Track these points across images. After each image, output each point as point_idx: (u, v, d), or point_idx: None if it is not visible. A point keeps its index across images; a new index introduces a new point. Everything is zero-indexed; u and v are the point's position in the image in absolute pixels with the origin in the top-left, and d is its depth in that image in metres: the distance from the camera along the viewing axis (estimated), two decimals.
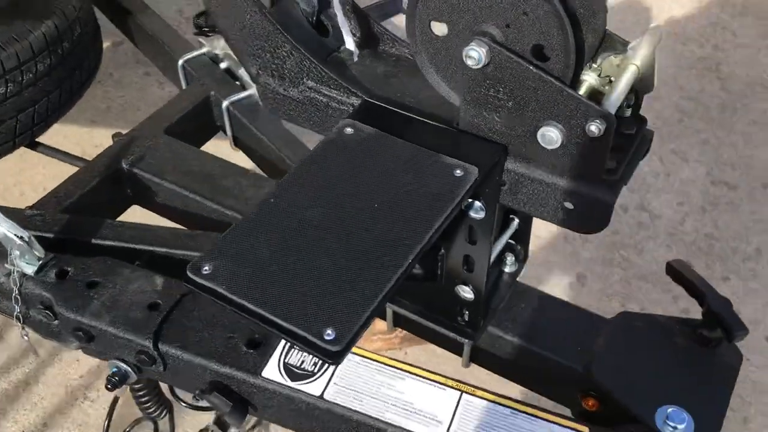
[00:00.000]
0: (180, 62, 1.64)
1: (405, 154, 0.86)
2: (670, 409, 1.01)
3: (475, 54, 0.81)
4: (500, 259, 1.17)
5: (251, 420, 1.92)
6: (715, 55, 3.15)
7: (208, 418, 1.64)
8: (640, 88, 0.88)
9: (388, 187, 0.82)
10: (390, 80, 1.00)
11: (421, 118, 0.92)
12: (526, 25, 0.80)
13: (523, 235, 1.16)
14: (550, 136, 0.84)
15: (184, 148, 1.46)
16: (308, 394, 1.04)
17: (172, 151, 1.45)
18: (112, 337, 1.13)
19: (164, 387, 1.45)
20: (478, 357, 1.21)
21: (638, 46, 0.86)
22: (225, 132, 1.61)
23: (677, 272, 1.13)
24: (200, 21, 1.41)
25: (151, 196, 1.44)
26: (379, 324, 1.26)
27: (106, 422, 1.35)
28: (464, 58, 0.82)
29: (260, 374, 1.06)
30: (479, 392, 1.06)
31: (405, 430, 1.01)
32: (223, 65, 1.65)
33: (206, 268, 0.74)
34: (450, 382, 1.07)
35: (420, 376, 1.07)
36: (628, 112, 0.92)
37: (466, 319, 1.11)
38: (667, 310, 2.19)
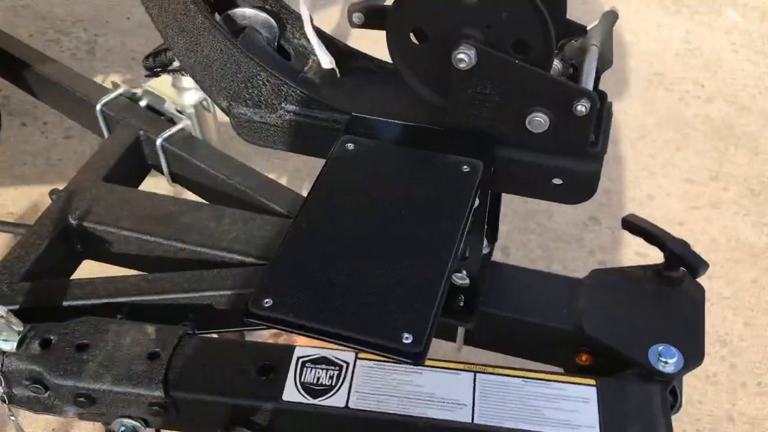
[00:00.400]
0: (98, 107, 1.59)
1: (411, 158, 0.91)
2: (660, 347, 1.12)
3: (465, 57, 0.87)
4: None
5: None
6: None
7: None
8: (601, 65, 0.98)
9: (406, 191, 0.87)
10: (364, 93, 1.05)
11: (412, 124, 0.98)
12: (507, 23, 0.87)
13: (493, 218, 1.24)
14: (538, 120, 0.91)
15: (129, 192, 1.43)
16: (333, 407, 1.07)
17: (119, 198, 1.41)
18: (117, 396, 1.10)
19: None
20: (471, 338, 1.28)
21: (596, 29, 0.95)
22: (159, 170, 1.58)
23: (634, 225, 1.25)
24: (149, 62, 1.38)
25: (105, 248, 1.39)
26: None
27: None
28: (454, 62, 0.88)
29: (281, 399, 1.08)
30: (489, 369, 1.12)
31: (434, 419, 1.06)
32: (143, 103, 1.62)
33: (266, 300, 0.76)
34: (461, 366, 1.13)
35: (432, 367, 1.13)
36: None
37: (462, 304, 1.18)
38: (586, 264, 2.36)
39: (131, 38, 3.15)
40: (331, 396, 1.08)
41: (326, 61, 1.03)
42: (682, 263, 1.19)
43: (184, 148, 1.51)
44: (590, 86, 0.91)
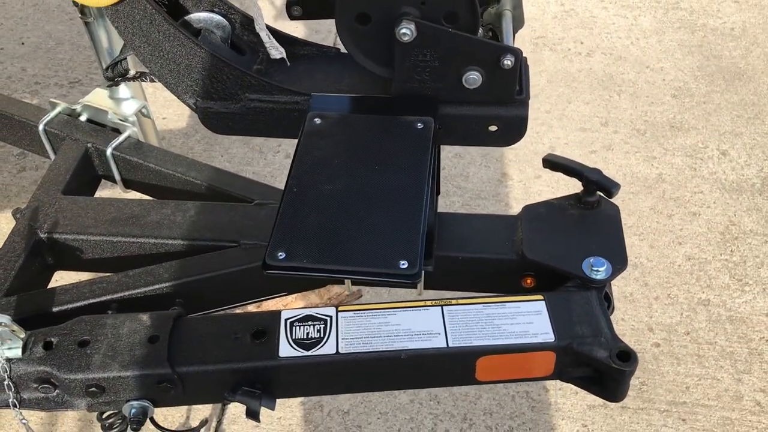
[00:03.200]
0: (40, 127, 1.65)
1: (371, 123, 1.06)
2: (591, 260, 1.32)
3: (407, 31, 1.03)
4: None
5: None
6: None
7: None
8: (515, 26, 1.16)
9: (374, 149, 1.02)
10: (314, 75, 1.19)
11: (362, 96, 1.12)
12: (433, 3, 1.03)
13: (436, 172, 1.41)
14: (473, 78, 1.08)
15: (91, 201, 1.51)
16: (326, 354, 1.21)
17: (82, 207, 1.48)
18: (127, 380, 1.20)
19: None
20: (430, 281, 1.44)
21: None
22: (110, 179, 1.66)
23: (554, 162, 1.44)
24: (109, 73, 1.45)
25: (77, 256, 1.47)
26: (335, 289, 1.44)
27: None
28: (398, 36, 1.03)
29: (278, 356, 1.20)
30: (453, 301, 1.29)
31: (415, 349, 1.21)
32: (83, 117, 1.68)
33: (280, 254, 0.89)
34: (429, 303, 1.28)
35: (404, 308, 1.28)
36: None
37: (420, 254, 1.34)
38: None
39: (30, 63, 3.12)
40: (322, 346, 1.22)
41: (277, 52, 1.16)
42: (597, 187, 1.39)
43: (135, 154, 1.60)
44: (512, 43, 1.09)
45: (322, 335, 1.23)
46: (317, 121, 1.06)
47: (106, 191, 1.66)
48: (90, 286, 1.34)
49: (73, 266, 1.49)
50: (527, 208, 1.45)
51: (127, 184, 1.66)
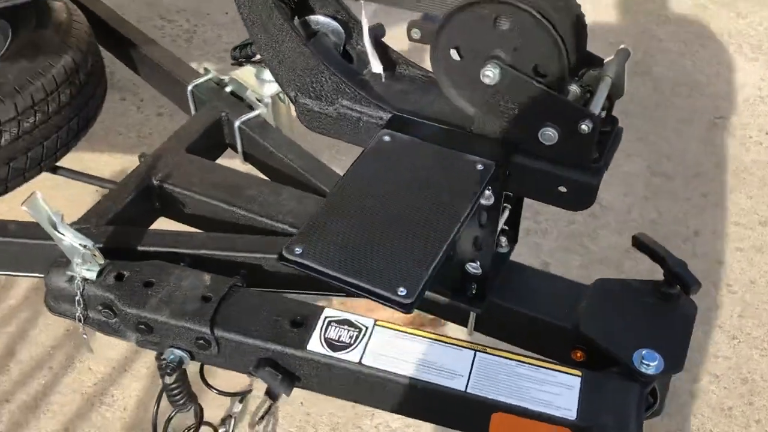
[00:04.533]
0: (189, 88, 1.83)
1: (436, 153, 1.08)
2: (644, 351, 1.25)
3: (490, 74, 1.04)
4: (496, 244, 1.40)
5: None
6: (646, 59, 3.49)
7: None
8: (613, 94, 1.13)
9: (427, 179, 1.04)
10: (409, 96, 1.22)
11: (443, 126, 1.15)
12: (530, 49, 1.03)
13: (514, 221, 1.39)
14: (549, 134, 1.07)
15: (206, 163, 1.65)
16: (348, 361, 1.24)
17: (196, 166, 1.63)
18: (171, 328, 1.30)
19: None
20: (481, 325, 1.43)
21: (611, 62, 1.10)
22: (235, 149, 1.80)
23: (642, 243, 1.38)
24: (236, 53, 1.60)
25: (179, 208, 1.61)
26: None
27: (155, 408, 1.50)
28: (482, 77, 1.04)
29: (306, 348, 1.26)
30: (489, 350, 1.28)
31: (432, 383, 1.22)
32: (228, 89, 1.84)
33: (297, 249, 0.94)
34: (465, 344, 1.28)
35: (439, 341, 1.29)
36: (603, 113, 1.16)
37: (474, 292, 1.34)
38: None
39: (226, 32, 3.42)
40: (348, 352, 1.25)
41: (377, 66, 1.21)
42: (677, 280, 1.31)
43: (257, 132, 1.72)
44: (597, 110, 1.06)
45: (351, 342, 1.27)
46: (386, 138, 1.10)
47: (226, 160, 1.79)
48: (174, 237, 1.47)
49: (174, 216, 1.64)
50: (601, 282, 1.40)
51: (246, 157, 1.79)
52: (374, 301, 0.90)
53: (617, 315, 1.33)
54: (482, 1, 1.02)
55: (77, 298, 1.35)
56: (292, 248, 0.94)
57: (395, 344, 1.27)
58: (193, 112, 1.85)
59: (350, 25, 1.27)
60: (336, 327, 1.29)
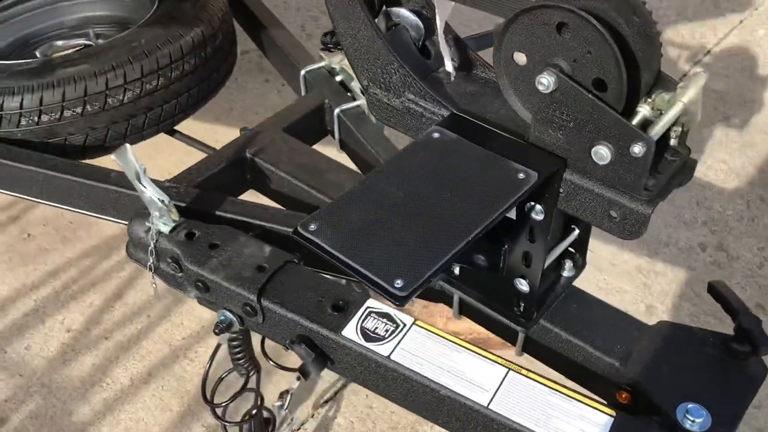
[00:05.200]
0: (302, 72, 1.90)
1: (479, 156, 1.05)
2: (690, 405, 1.14)
3: (545, 81, 1.00)
4: (559, 264, 1.34)
5: (325, 395, 2.13)
6: None
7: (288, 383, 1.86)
8: (686, 122, 1.04)
9: (462, 180, 1.02)
10: (477, 98, 1.20)
11: (497, 131, 1.12)
12: (590, 61, 0.98)
13: (581, 245, 1.32)
14: (602, 153, 1.01)
15: (298, 144, 1.71)
16: (378, 353, 1.24)
17: (288, 146, 1.69)
18: (224, 290, 1.36)
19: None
20: (530, 347, 1.37)
21: (686, 86, 1.02)
22: (333, 135, 1.85)
23: (717, 291, 1.27)
24: (326, 39, 1.66)
25: (266, 183, 1.68)
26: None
27: (208, 365, 1.58)
28: (536, 84, 1.01)
29: (340, 333, 1.27)
30: (524, 371, 1.22)
31: (455, 392, 1.19)
32: (338, 78, 1.89)
33: (312, 226, 0.96)
34: (500, 360, 1.24)
35: (475, 353, 1.25)
36: (675, 142, 1.08)
37: (521, 309, 1.29)
38: None
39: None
40: (380, 344, 1.25)
41: (448, 64, 1.20)
42: (748, 338, 1.19)
43: (353, 122, 1.76)
44: (656, 134, 0.99)
45: (386, 336, 1.27)
46: (435, 135, 1.08)
47: (327, 148, 1.84)
48: (248, 207, 1.53)
49: (261, 190, 1.71)
50: (665, 324, 1.30)
51: (342, 146, 1.83)
52: (371, 288, 0.90)
53: (672, 362, 1.23)
54: (547, 6, 0.98)
55: (150, 248, 1.44)
56: (307, 225, 0.95)
57: (428, 346, 1.25)
58: (302, 93, 1.93)
59: (433, 21, 1.27)
60: (375, 318, 1.29)
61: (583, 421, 1.16)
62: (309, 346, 1.30)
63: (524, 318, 1.29)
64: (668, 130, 1.06)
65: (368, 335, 1.27)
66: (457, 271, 1.35)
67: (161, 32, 1.85)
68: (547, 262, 1.25)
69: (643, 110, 1.04)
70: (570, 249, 1.33)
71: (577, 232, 1.29)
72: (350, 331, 1.27)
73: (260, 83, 3.25)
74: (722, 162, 2.95)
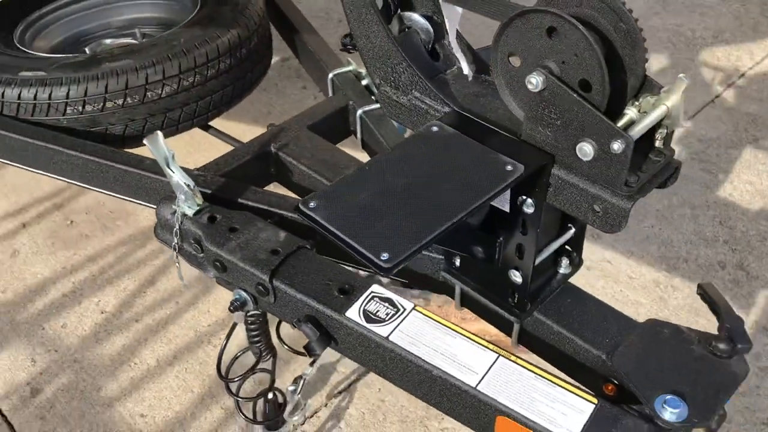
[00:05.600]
0: (330, 75, 2.01)
1: (473, 149, 1.13)
2: (669, 396, 1.20)
3: (534, 81, 1.08)
4: (556, 261, 1.41)
5: (341, 384, 2.21)
6: None
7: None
8: (669, 124, 1.11)
9: (454, 169, 1.10)
10: (479, 99, 1.28)
11: (493, 128, 1.20)
12: (577, 63, 1.05)
13: (577, 244, 1.39)
14: (586, 150, 1.08)
15: (321, 142, 1.81)
16: (377, 334, 1.32)
17: (312, 143, 1.79)
18: (240, 270, 1.46)
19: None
20: (525, 339, 1.44)
21: (669, 91, 1.09)
22: (356, 135, 1.94)
23: (705, 292, 1.32)
24: (345, 40, 1.76)
25: (289, 176, 1.78)
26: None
27: (225, 342, 1.68)
28: (526, 83, 1.09)
29: (344, 314, 1.35)
30: (513, 357, 1.29)
31: (446, 372, 1.26)
32: (363, 82, 1.99)
33: (312, 204, 1.05)
34: (491, 347, 1.31)
35: (468, 338, 1.32)
36: (661, 143, 1.14)
37: (515, 301, 1.36)
38: None
39: None
40: (379, 326, 1.33)
41: (466, 68, 1.28)
42: (729, 336, 1.24)
43: (375, 123, 1.85)
44: (637, 134, 1.06)
45: (386, 318, 1.35)
46: (434, 128, 1.17)
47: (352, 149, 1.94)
48: (267, 196, 1.63)
49: (284, 183, 1.81)
50: (652, 322, 1.36)
51: (363, 145, 1.93)
52: (359, 260, 0.98)
53: (657, 357, 1.28)
54: (539, 11, 1.06)
55: (175, 229, 1.55)
56: (308, 202, 1.05)
57: (425, 330, 1.33)
58: (329, 94, 2.03)
59: (444, 27, 1.35)
60: (377, 302, 1.38)
61: (565, 406, 1.22)
62: (315, 325, 1.39)
63: (518, 309, 1.36)
64: (654, 131, 1.13)
65: (370, 317, 1.35)
66: (458, 263, 1.43)
67: (200, 33, 1.98)
68: (541, 258, 1.32)
69: (630, 112, 1.11)
70: (567, 247, 1.40)
71: (572, 231, 1.36)
72: (353, 313, 1.36)
73: (298, 89, 3.37)
74: (749, 183, 2.96)
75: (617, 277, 2.54)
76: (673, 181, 1.17)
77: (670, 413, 1.18)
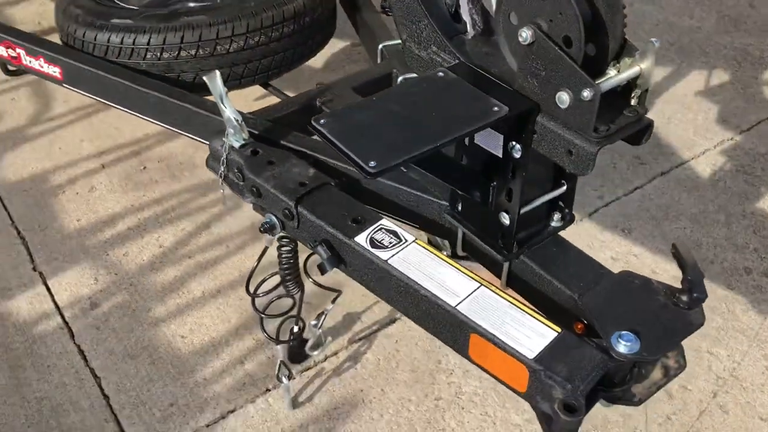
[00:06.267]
0: (380, 46, 2.21)
1: (468, 92, 1.31)
2: (624, 332, 1.33)
3: (524, 34, 1.25)
4: (548, 215, 1.56)
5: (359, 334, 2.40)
6: None
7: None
8: (642, 83, 1.26)
9: (448, 106, 1.28)
10: (488, 56, 1.45)
11: (493, 79, 1.37)
12: (562, 21, 1.22)
13: (568, 199, 1.54)
14: (563, 98, 1.24)
15: (362, 99, 2.00)
16: (378, 257, 1.50)
17: (352, 101, 1.99)
18: (272, 196, 1.68)
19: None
20: (512, 282, 1.60)
21: (643, 53, 1.24)
22: None
23: (677, 250, 1.44)
24: (384, 4, 1.96)
25: None
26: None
27: (256, 263, 1.89)
28: (518, 36, 1.26)
29: (353, 239, 1.55)
30: (494, 288, 1.45)
31: (431, 293, 1.43)
32: None
33: (322, 120, 1.25)
34: (477, 278, 1.47)
35: (457, 269, 1.49)
36: (636, 102, 1.29)
37: (503, 242, 1.52)
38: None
39: None
40: (382, 251, 1.52)
41: (470, 29, 1.46)
42: (688, 286, 1.37)
43: None
44: (607, 86, 1.21)
45: (389, 246, 1.53)
46: (440, 74, 1.35)
47: None
48: (307, 141, 1.84)
49: None
50: (626, 273, 1.49)
51: None
52: (352, 166, 1.18)
53: (622, 301, 1.42)
54: None
55: (223, 159, 1.78)
56: (319, 119, 1.25)
57: (421, 259, 1.51)
58: (378, 61, 2.24)
59: None
60: (384, 233, 1.56)
61: (531, 330, 1.37)
62: (328, 247, 1.59)
63: (506, 250, 1.52)
64: (630, 91, 1.28)
65: (375, 243, 1.54)
66: (460, 207, 1.60)
67: None
68: (531, 206, 1.48)
69: (611, 72, 1.27)
70: (560, 203, 1.55)
71: (564, 188, 1.51)
72: (361, 238, 1.55)
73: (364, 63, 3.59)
74: None
75: (640, 270, 2.62)
76: (647, 139, 1.31)
77: (623, 346, 1.32)
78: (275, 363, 2.10)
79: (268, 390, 2.23)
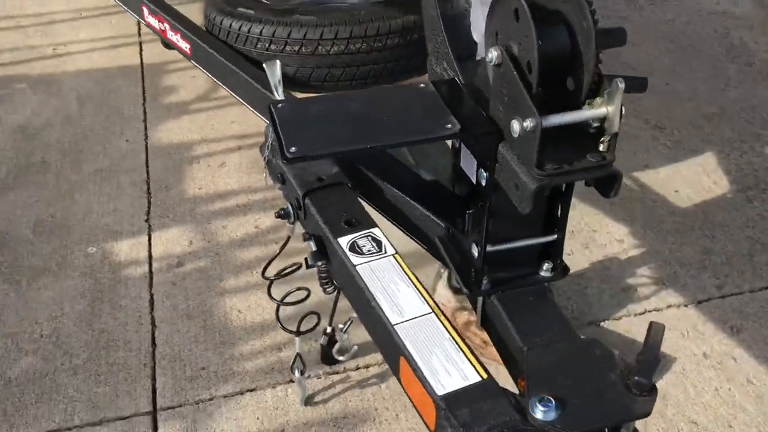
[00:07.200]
0: None
1: (434, 107, 1.27)
2: (548, 397, 1.20)
3: (491, 55, 1.19)
4: (538, 264, 1.45)
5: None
6: None
7: None
8: (607, 128, 1.14)
9: (407, 115, 1.25)
10: (484, 79, 1.39)
11: (471, 99, 1.31)
12: (527, 45, 1.15)
13: (556, 249, 1.42)
14: (515, 127, 1.16)
15: None
16: (350, 261, 1.50)
17: None
18: (290, 185, 1.74)
19: None
20: (485, 322, 1.50)
21: (611, 94, 1.12)
22: None
23: (649, 328, 1.27)
24: None
25: None
26: None
27: (278, 252, 1.96)
28: (486, 55, 1.20)
29: (336, 238, 1.55)
30: (443, 319, 1.38)
31: (380, 306, 1.39)
32: None
33: (280, 105, 1.30)
34: (432, 304, 1.41)
35: (418, 291, 1.43)
36: (604, 147, 1.16)
37: (473, 275, 1.43)
38: None
39: None
40: (356, 256, 1.51)
41: (480, 51, 1.41)
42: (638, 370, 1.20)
43: None
44: (561, 122, 1.12)
45: (365, 253, 1.53)
46: (421, 85, 1.33)
47: None
48: None
49: None
50: (591, 341, 1.35)
51: None
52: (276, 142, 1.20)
53: (568, 367, 1.28)
54: None
55: (267, 144, 1.87)
56: (277, 104, 1.31)
57: (389, 272, 1.48)
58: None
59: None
60: (369, 240, 1.56)
61: (456, 369, 1.29)
62: (317, 242, 1.61)
63: (475, 285, 1.43)
64: (600, 135, 1.16)
65: (354, 248, 1.54)
66: (450, 231, 1.54)
67: (380, 10, 2.29)
68: (507, 246, 1.38)
69: (586, 107, 1.16)
70: (552, 251, 1.44)
71: (554, 237, 1.40)
72: (344, 240, 1.55)
73: None
74: None
75: (733, 377, 2.30)
76: (615, 193, 1.18)
77: (540, 411, 1.20)
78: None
79: (291, 381, 2.27)
